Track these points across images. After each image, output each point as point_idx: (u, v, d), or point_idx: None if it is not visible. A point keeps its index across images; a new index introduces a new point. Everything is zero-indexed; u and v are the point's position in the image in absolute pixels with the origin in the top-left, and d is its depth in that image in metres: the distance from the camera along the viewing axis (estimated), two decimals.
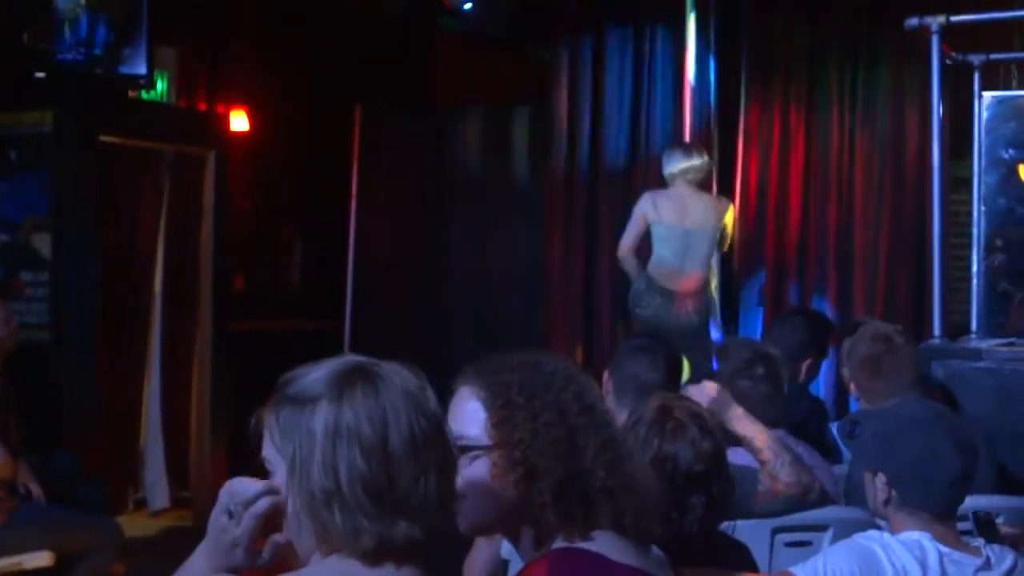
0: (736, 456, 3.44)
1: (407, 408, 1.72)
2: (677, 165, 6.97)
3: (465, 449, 1.93)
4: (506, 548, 3.33)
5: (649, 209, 6.97)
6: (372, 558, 1.71)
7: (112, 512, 5.99)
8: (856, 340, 4.18)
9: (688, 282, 6.93)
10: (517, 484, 1.91)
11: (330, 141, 8.72)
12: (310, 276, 9.00)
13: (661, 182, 8.31)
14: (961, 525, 2.88)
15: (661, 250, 6.94)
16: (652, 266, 6.96)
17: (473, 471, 1.93)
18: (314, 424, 1.71)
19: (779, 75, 8.16)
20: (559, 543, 1.90)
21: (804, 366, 5.11)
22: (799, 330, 5.24)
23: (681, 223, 6.90)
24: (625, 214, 8.44)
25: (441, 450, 1.75)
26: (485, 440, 1.94)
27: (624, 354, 4.13)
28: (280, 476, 1.76)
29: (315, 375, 1.76)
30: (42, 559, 4.85)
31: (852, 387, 4.18)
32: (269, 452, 1.78)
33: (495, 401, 1.95)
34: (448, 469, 1.76)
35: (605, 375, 4.05)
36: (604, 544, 1.89)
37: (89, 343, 6.53)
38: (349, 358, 1.79)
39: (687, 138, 7.83)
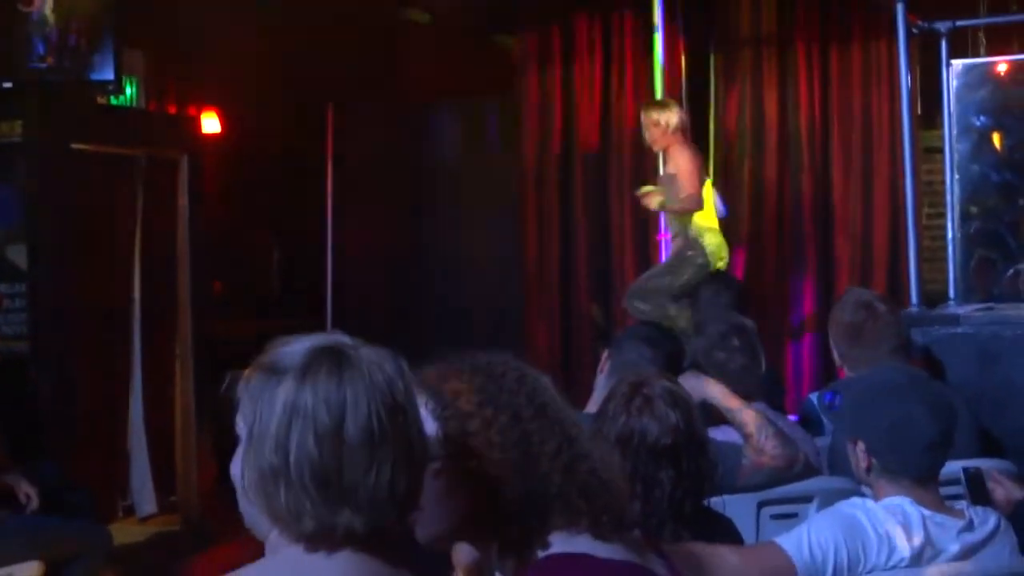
0: (720, 433, 3.45)
1: (369, 398, 1.68)
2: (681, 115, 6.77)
3: None
4: None
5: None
6: (312, 542, 1.69)
7: (101, 520, 5.96)
8: (839, 307, 4.20)
9: None
10: (476, 495, 1.83)
11: (303, 140, 8.70)
12: (288, 275, 8.99)
13: (635, 165, 8.32)
14: (946, 490, 2.90)
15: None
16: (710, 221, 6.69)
17: (426, 483, 1.81)
18: (276, 398, 1.69)
19: (749, 52, 8.18)
20: (534, 551, 1.82)
21: None
22: (724, 295, 5.21)
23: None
24: (599, 200, 8.47)
25: (402, 445, 1.70)
26: (437, 451, 1.83)
27: (628, 339, 4.11)
28: (241, 444, 1.74)
29: (293, 348, 1.74)
30: (31, 570, 4.84)
31: (835, 354, 4.18)
32: (239, 418, 1.76)
33: (444, 411, 1.85)
34: (408, 464, 1.70)
35: (604, 354, 4.05)
36: (567, 544, 1.83)
37: (68, 352, 6.51)
38: (331, 337, 1.76)
39: None
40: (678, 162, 6.56)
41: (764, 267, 8.07)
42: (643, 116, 6.73)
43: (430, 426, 1.84)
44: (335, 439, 1.66)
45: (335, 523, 1.67)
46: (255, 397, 1.71)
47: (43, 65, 6.33)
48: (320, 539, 1.68)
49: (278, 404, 1.68)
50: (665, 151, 6.69)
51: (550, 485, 1.83)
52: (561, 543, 1.83)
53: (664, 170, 6.79)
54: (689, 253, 6.50)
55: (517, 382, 1.89)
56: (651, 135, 6.65)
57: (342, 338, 1.77)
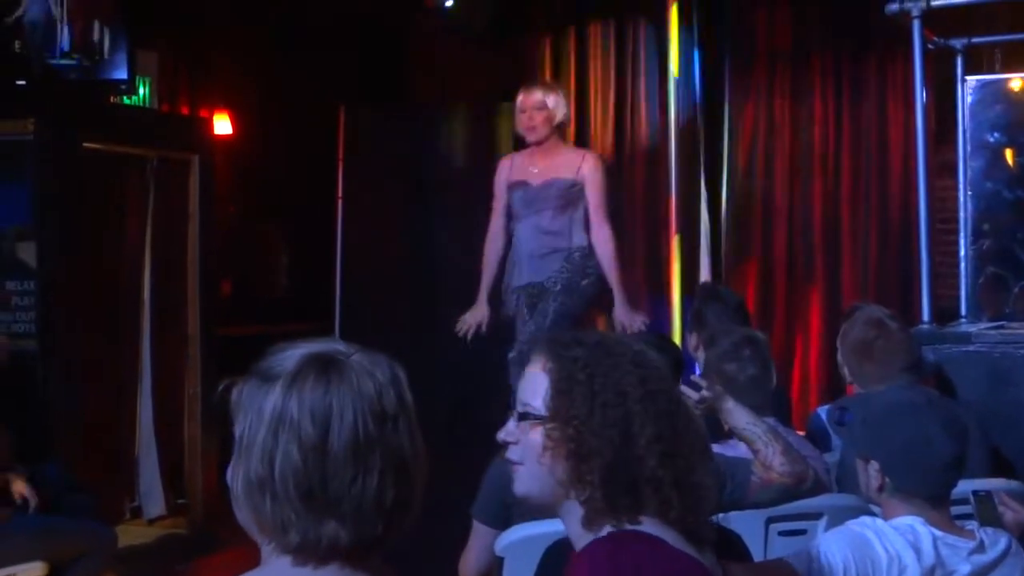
0: (729, 448, 3.44)
1: (356, 407, 1.66)
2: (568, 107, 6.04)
3: (524, 417, 1.99)
4: (500, 545, 3.31)
5: None
6: (298, 554, 1.67)
7: (108, 521, 5.95)
8: (850, 325, 4.18)
9: None
10: (567, 459, 1.94)
11: (314, 142, 8.70)
12: (298, 278, 8.98)
13: (648, 176, 8.28)
14: (956, 509, 2.88)
15: None
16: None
17: (528, 440, 1.99)
18: (265, 406, 1.67)
19: (763, 65, 8.17)
20: (609, 527, 1.91)
21: None
22: (727, 303, 5.14)
23: None
24: (612, 208, 8.43)
25: (390, 454, 1.67)
26: (542, 411, 1.97)
27: None
28: (234, 451, 1.72)
29: (286, 354, 1.72)
30: (35, 569, 4.83)
31: (845, 371, 4.17)
32: (236, 424, 1.73)
33: (558, 374, 1.98)
34: (397, 474, 1.67)
35: None
36: (656, 530, 1.90)
37: (77, 351, 6.51)
38: (327, 344, 1.74)
39: (672, 133, 7.73)
40: (596, 177, 5.76)
41: (774, 281, 8.06)
42: (524, 96, 5.80)
43: (544, 387, 1.98)
44: (319, 450, 1.64)
45: (320, 534, 1.64)
46: (247, 404, 1.70)
47: (64, 62, 6.33)
48: (306, 552, 1.66)
49: (266, 413, 1.66)
50: (538, 145, 5.81)
51: (643, 468, 1.91)
52: (647, 527, 1.90)
53: (531, 171, 5.87)
54: (584, 282, 5.72)
55: (633, 364, 2.00)
56: (531, 120, 5.74)
57: (337, 345, 1.74)
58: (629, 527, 1.90)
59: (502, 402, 8.55)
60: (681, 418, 2.00)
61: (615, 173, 8.40)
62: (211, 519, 6.83)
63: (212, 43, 8.09)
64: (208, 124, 7.70)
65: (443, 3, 8.06)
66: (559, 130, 5.80)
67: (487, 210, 8.93)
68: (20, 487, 5.10)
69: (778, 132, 8.13)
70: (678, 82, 7.78)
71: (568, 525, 1.99)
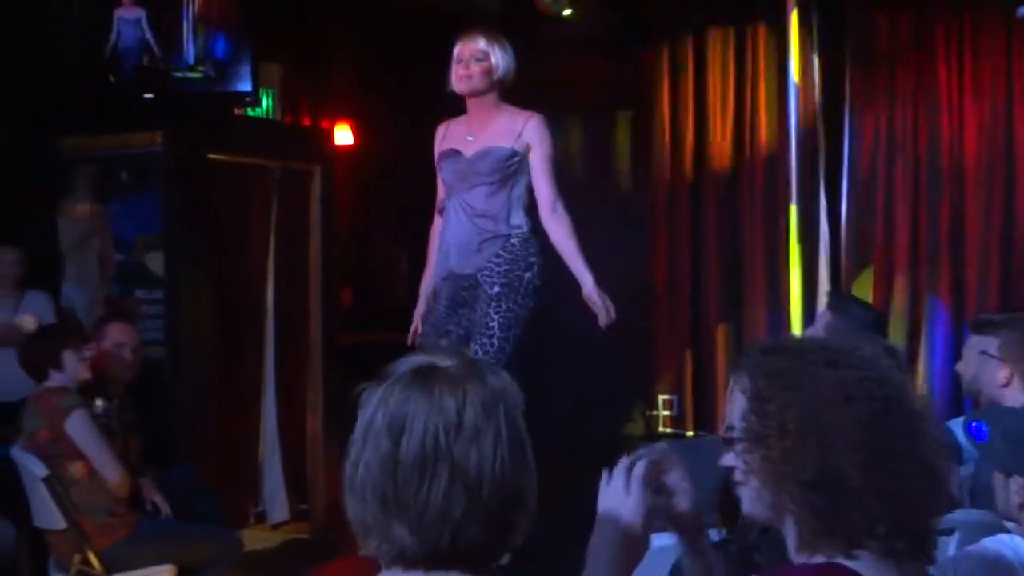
0: None
1: (428, 419, 1.67)
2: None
3: (728, 441, 1.84)
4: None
5: None
6: (380, 559, 1.71)
7: (233, 526, 6.06)
8: (1017, 326, 3.95)
9: None
10: (765, 484, 1.78)
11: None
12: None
13: (767, 183, 8.16)
14: None
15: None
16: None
17: (737, 463, 1.82)
18: (363, 414, 1.73)
19: (884, 70, 8.03)
20: (820, 557, 1.75)
21: None
22: (866, 314, 4.96)
23: None
24: (731, 216, 8.37)
25: (459, 467, 1.66)
26: (738, 431, 1.82)
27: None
28: None
29: (398, 363, 1.76)
30: (165, 572, 4.94)
31: (1004, 375, 3.93)
32: None
33: (750, 394, 1.82)
34: (466, 487, 1.66)
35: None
36: (870, 570, 1.73)
37: (203, 358, 6.64)
38: (432, 356, 1.76)
39: (792, 140, 7.61)
40: (542, 142, 4.88)
41: (894, 290, 7.91)
42: (462, 46, 4.91)
43: (741, 404, 1.83)
44: (392, 458, 1.67)
45: (391, 540, 1.67)
46: (360, 411, 1.75)
47: (190, 75, 6.47)
48: (384, 557, 1.70)
49: (362, 420, 1.72)
50: (474, 99, 4.93)
51: (844, 480, 1.72)
52: (862, 565, 1.73)
53: (466, 139, 4.94)
54: (527, 275, 4.91)
55: (826, 366, 1.79)
56: (468, 71, 4.86)
57: (445, 357, 1.75)
58: (842, 561, 1.73)
59: (622, 404, 8.46)
60: (894, 428, 1.78)
61: (732, 179, 8.38)
62: (333, 524, 6.92)
63: (333, 55, 8.18)
64: (330, 135, 7.81)
65: (560, 12, 8.05)
66: (500, 88, 4.90)
67: (599, 218, 8.96)
68: (151, 492, 5.22)
69: (900, 137, 7.99)
70: (798, 88, 7.68)
71: (789, 547, 1.82)
